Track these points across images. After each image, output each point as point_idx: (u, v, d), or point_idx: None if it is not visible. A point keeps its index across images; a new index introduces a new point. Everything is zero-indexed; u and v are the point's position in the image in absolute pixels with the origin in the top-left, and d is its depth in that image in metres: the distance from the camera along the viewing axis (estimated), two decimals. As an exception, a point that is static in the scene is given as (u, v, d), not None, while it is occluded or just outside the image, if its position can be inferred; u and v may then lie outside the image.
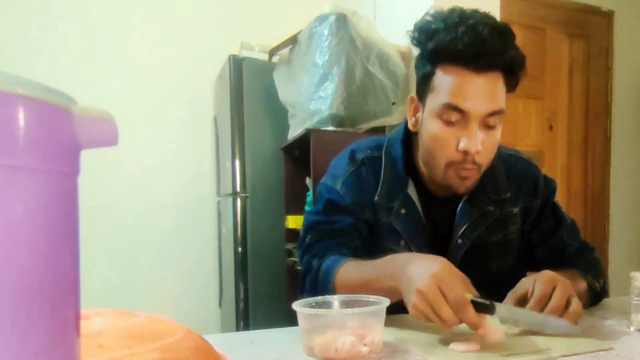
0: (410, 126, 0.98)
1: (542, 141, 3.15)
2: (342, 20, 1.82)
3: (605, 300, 1.06)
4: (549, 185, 1.07)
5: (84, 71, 2.50)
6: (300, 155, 2.09)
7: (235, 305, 2.26)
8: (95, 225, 2.52)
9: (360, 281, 0.82)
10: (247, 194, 2.26)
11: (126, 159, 2.59)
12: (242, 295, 2.24)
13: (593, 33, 3.26)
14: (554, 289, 0.76)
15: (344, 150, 1.06)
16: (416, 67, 0.94)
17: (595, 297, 1.00)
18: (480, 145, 0.86)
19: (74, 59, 2.49)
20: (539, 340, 0.72)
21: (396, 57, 1.92)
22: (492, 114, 0.86)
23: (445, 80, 0.87)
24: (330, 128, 1.82)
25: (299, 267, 1.02)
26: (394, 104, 1.91)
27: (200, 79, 2.71)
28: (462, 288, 0.67)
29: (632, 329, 0.80)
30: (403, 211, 0.97)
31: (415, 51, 0.94)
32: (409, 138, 1.02)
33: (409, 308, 0.70)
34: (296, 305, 0.70)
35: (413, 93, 0.98)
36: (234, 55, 2.26)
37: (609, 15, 3.28)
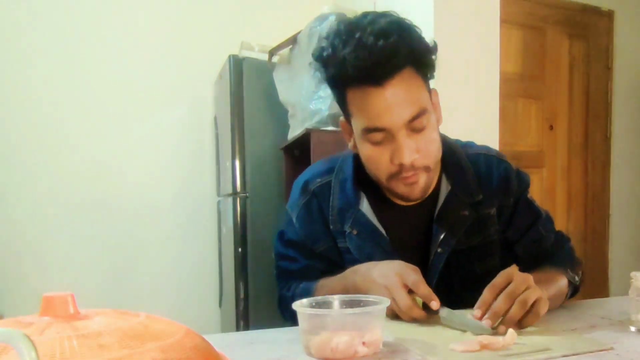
0: (350, 147, 0.97)
1: (542, 141, 3.15)
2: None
3: (605, 300, 1.06)
4: (523, 181, 1.03)
5: (83, 71, 2.50)
6: (300, 155, 2.09)
7: (235, 305, 2.26)
8: (95, 225, 2.52)
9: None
10: (247, 194, 2.26)
11: (126, 159, 2.59)
12: (242, 295, 2.24)
13: (593, 33, 3.26)
14: (510, 281, 0.76)
15: (302, 174, 1.06)
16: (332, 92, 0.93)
17: (574, 289, 1.00)
18: (416, 153, 0.85)
19: (74, 59, 2.49)
20: (539, 340, 0.72)
21: (396, 57, 1.92)
22: (414, 118, 0.84)
23: (355, 105, 0.86)
24: (330, 128, 1.82)
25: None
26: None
27: (200, 79, 2.71)
28: (420, 276, 0.80)
29: (632, 329, 0.80)
30: (355, 232, 0.95)
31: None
32: None
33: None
34: (296, 305, 0.70)
35: None
36: (234, 55, 2.26)
37: (609, 15, 3.28)
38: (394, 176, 0.88)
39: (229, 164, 2.30)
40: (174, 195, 2.69)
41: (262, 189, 2.28)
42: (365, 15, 0.85)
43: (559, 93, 3.19)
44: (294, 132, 2.01)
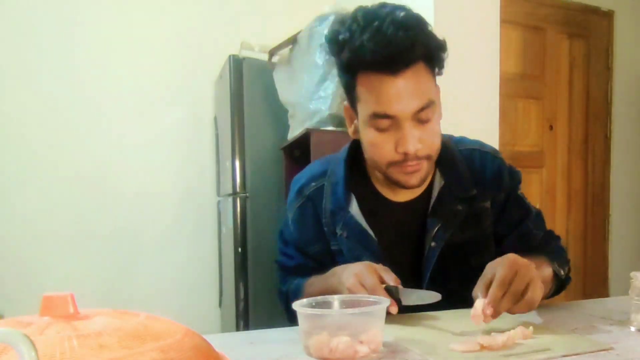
0: (350, 134, 0.99)
1: (542, 141, 3.15)
2: (342, 20, 1.82)
3: (605, 300, 1.06)
4: (514, 177, 1.05)
5: (84, 71, 2.50)
6: (300, 155, 2.09)
7: (235, 305, 2.26)
8: (96, 224, 2.52)
9: (316, 294, 0.90)
10: (247, 194, 2.26)
11: (126, 159, 2.59)
12: (242, 295, 2.24)
13: (593, 33, 3.26)
14: (515, 274, 0.75)
15: (299, 173, 1.09)
16: (339, 77, 0.94)
17: (560, 283, 1.00)
18: (419, 143, 0.87)
19: (74, 60, 2.49)
20: (539, 340, 0.72)
21: (396, 57, 1.92)
22: (421, 109, 0.86)
23: (366, 90, 0.87)
24: (330, 128, 1.82)
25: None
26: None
27: (200, 79, 2.71)
28: (376, 278, 0.81)
29: (632, 329, 0.80)
30: (345, 234, 0.97)
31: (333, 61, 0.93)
32: (357, 151, 1.01)
33: None
34: (296, 305, 0.70)
35: None
36: (234, 55, 2.26)
37: (609, 15, 3.28)
38: (395, 164, 0.90)
39: (229, 164, 2.30)
40: (174, 195, 2.69)
41: (262, 189, 2.28)
42: (383, 5, 0.87)
43: (559, 93, 3.19)
44: (294, 132, 2.01)
